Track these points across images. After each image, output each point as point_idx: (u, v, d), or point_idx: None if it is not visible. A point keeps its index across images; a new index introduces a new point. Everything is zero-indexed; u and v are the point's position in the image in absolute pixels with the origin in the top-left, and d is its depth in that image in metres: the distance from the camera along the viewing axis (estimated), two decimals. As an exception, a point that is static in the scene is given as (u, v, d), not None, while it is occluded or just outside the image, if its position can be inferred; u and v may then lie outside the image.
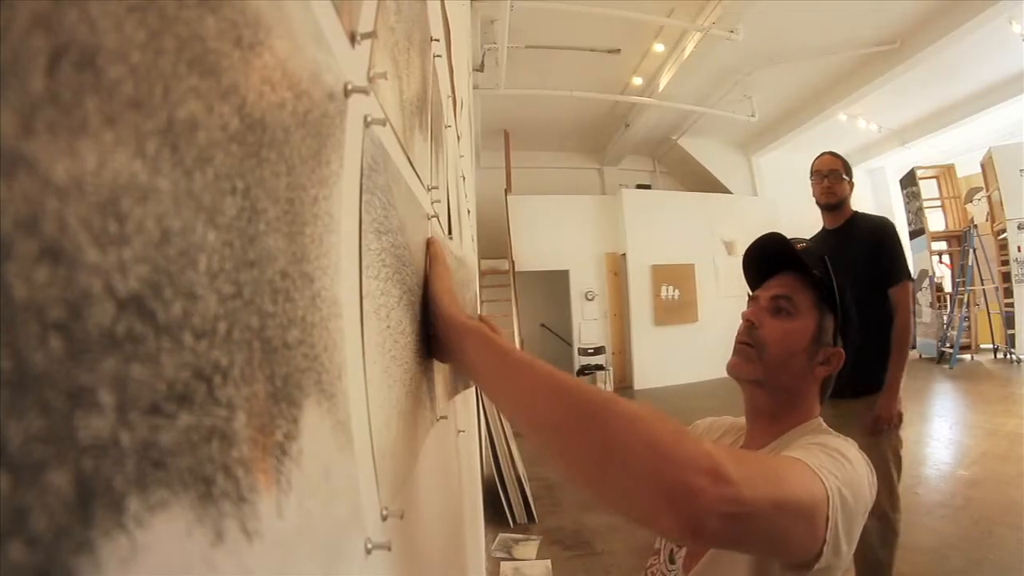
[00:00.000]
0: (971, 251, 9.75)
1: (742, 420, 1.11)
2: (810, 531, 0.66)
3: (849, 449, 0.81)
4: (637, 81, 8.73)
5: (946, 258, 10.99)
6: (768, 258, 1.07)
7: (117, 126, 0.18)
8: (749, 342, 0.99)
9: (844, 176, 2.63)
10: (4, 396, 0.13)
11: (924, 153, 11.38)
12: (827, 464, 0.72)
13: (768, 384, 0.99)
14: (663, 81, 8.29)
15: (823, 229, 2.74)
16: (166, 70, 0.21)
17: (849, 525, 0.70)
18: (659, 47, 7.76)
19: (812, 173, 2.68)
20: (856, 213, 2.67)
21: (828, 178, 2.62)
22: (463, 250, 0.98)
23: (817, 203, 2.68)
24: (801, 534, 0.66)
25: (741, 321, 1.03)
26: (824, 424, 0.97)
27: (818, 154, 2.72)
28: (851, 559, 0.73)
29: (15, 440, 0.13)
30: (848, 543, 0.71)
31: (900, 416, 2.38)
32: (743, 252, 1.11)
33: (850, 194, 2.66)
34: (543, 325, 10.99)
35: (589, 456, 0.57)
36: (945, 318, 10.15)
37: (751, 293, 1.08)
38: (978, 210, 10.33)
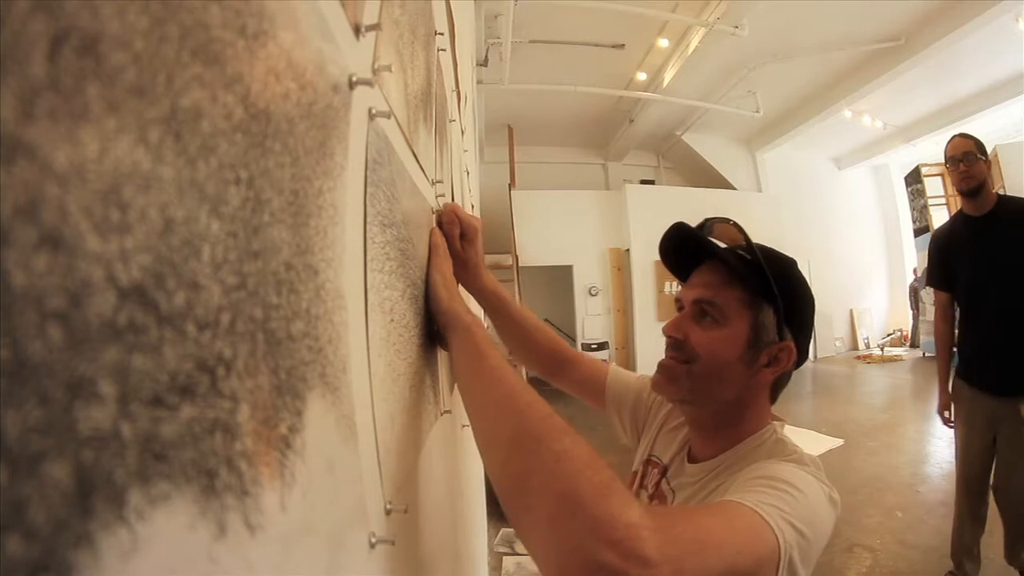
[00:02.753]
0: (976, 249, 9.71)
1: None
2: None
3: (797, 475, 0.71)
4: (641, 76, 8.70)
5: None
6: (686, 250, 0.94)
7: (119, 113, 0.18)
8: (676, 358, 0.87)
9: (979, 156, 2.43)
10: (2, 386, 0.13)
11: (929, 150, 11.32)
12: (775, 502, 0.64)
13: (699, 402, 0.88)
14: (667, 76, 8.26)
15: (960, 214, 2.58)
16: (169, 58, 0.20)
17: (806, 557, 0.64)
18: (663, 42, 7.73)
19: (946, 161, 2.50)
20: (1002, 197, 2.48)
21: (963, 162, 2.42)
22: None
23: (958, 191, 2.50)
24: None
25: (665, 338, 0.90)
26: (779, 432, 0.88)
27: (948, 140, 2.54)
28: None
29: (13, 431, 0.13)
30: (805, 570, 0.64)
31: None
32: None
33: (989, 174, 2.47)
34: (546, 320, 10.95)
35: (506, 483, 0.52)
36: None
37: (680, 286, 0.95)
38: (983, 208, 10.29)
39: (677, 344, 0.87)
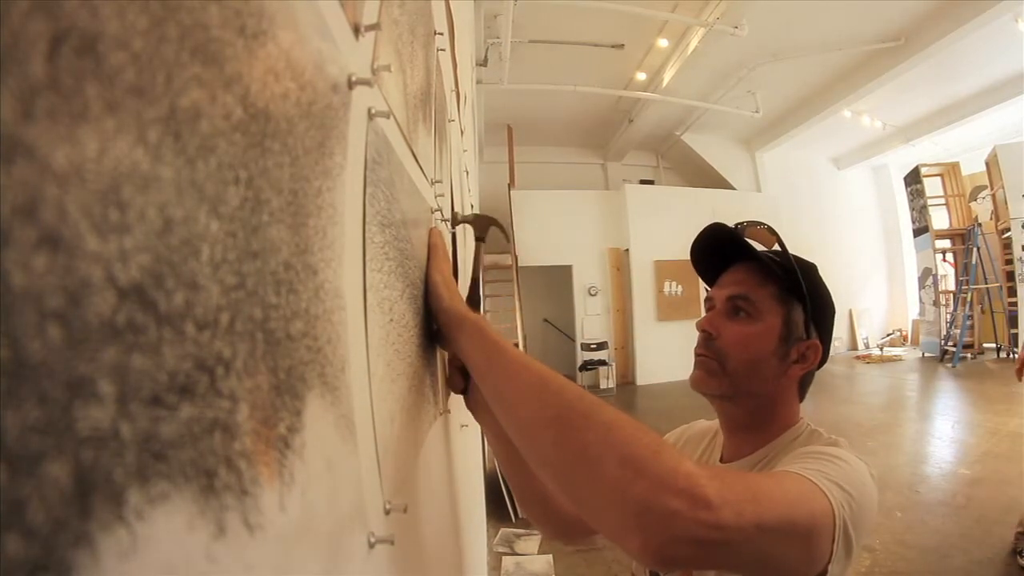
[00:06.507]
0: (975, 249, 9.73)
1: (716, 423, 1.00)
2: (807, 551, 0.60)
3: (838, 450, 0.74)
4: (641, 76, 8.70)
5: (950, 256, 10.95)
6: (719, 250, 0.95)
7: (118, 113, 0.17)
8: (707, 355, 0.89)
9: None
10: (2, 386, 0.13)
11: (929, 151, 11.34)
12: (823, 469, 0.67)
13: (738, 397, 0.88)
14: (667, 76, 8.26)
15: None
16: (169, 58, 0.20)
17: (859, 524, 0.65)
18: (663, 42, 7.73)
19: None
20: None
21: None
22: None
23: None
24: (796, 555, 0.60)
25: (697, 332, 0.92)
26: (812, 425, 0.89)
27: None
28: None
29: (13, 431, 0.13)
30: (858, 540, 0.66)
31: None
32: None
33: None
34: (546, 320, 10.99)
35: (563, 462, 0.55)
36: (948, 316, 10.13)
37: (708, 290, 0.96)
38: (982, 208, 10.31)
39: (708, 339, 0.89)
